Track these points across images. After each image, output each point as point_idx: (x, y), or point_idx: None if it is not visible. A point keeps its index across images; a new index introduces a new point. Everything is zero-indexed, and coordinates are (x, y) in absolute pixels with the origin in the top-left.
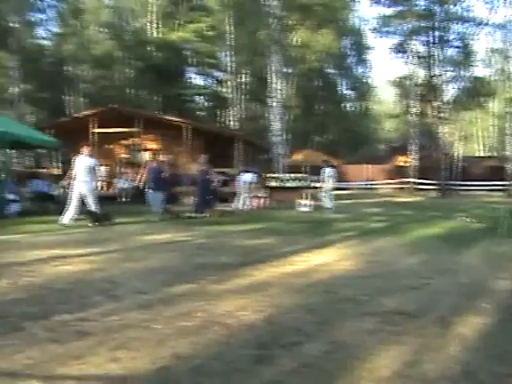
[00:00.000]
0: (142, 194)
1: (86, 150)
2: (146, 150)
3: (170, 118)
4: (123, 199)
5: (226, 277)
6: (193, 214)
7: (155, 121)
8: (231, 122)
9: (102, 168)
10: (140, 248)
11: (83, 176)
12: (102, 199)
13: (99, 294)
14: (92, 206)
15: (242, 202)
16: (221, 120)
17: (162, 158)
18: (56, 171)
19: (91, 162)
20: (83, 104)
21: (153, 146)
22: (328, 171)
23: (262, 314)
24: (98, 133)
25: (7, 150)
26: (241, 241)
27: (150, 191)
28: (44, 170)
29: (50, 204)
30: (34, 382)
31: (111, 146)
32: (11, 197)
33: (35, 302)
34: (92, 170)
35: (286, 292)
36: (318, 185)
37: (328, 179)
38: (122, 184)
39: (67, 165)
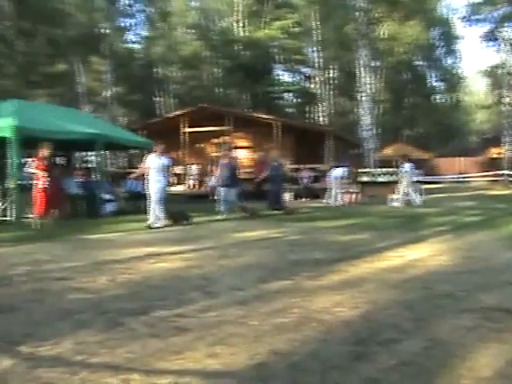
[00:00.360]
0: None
1: (158, 148)
2: (236, 148)
3: (260, 116)
4: (215, 197)
5: (321, 273)
6: (267, 211)
7: (245, 119)
8: (320, 118)
9: (194, 167)
10: (233, 245)
11: (155, 175)
12: (193, 197)
13: (195, 291)
14: (155, 207)
15: (333, 198)
16: (310, 116)
17: (233, 153)
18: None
19: (163, 160)
20: (173, 104)
21: (243, 143)
22: (407, 166)
23: (359, 310)
24: (189, 132)
25: (102, 152)
26: (334, 236)
27: (223, 188)
28: (137, 170)
29: (143, 203)
30: (135, 376)
31: (202, 145)
32: (107, 197)
33: (134, 299)
34: (164, 169)
35: (381, 288)
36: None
37: (407, 174)
38: (213, 182)
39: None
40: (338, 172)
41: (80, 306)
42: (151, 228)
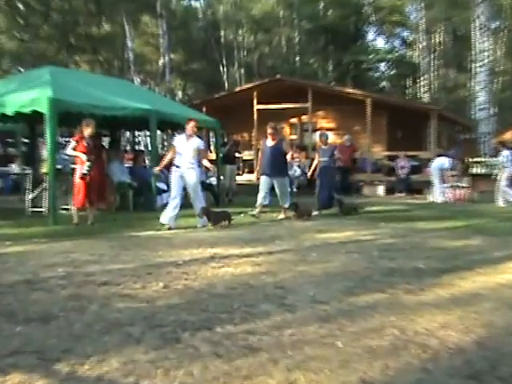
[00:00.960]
0: (312, 183)
1: (191, 126)
2: (317, 129)
3: (347, 91)
4: (293, 188)
5: (423, 286)
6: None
7: (328, 94)
8: (422, 94)
9: None
10: (314, 248)
11: (188, 161)
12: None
13: (268, 302)
14: (196, 201)
15: (437, 193)
16: (409, 91)
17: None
18: (211, 156)
19: (198, 142)
20: (241, 76)
21: (326, 124)
22: (507, 155)
23: (471, 334)
24: (261, 110)
25: (155, 132)
26: (438, 241)
27: (271, 178)
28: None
29: (208, 194)
30: None
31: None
32: (162, 186)
33: (193, 310)
34: (199, 154)
35: (500, 308)
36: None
37: (507, 164)
38: (293, 171)
39: (224, 148)
40: (442, 162)
41: (128, 317)
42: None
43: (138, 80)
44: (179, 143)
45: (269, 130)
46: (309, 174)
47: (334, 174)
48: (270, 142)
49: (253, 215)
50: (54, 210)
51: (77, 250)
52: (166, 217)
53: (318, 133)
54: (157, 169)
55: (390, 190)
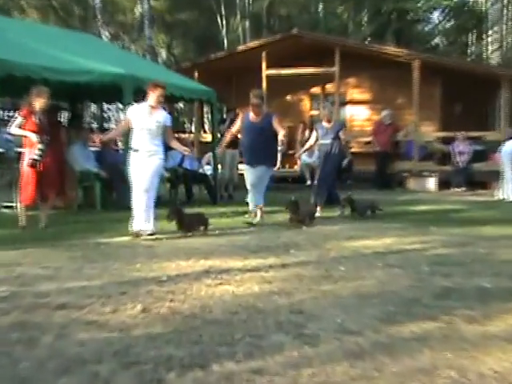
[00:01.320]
0: (342, 173)
1: (157, 94)
2: (347, 102)
3: (388, 50)
4: (314, 182)
5: (490, 312)
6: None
7: (362, 55)
8: (489, 54)
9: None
10: (342, 260)
11: (151, 143)
12: (278, 180)
13: (281, 332)
14: (148, 198)
15: (509, 188)
16: (471, 51)
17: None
18: (205, 138)
19: (164, 116)
20: (245, 30)
21: (358, 95)
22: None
23: None
24: (271, 76)
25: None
26: (510, 252)
27: (247, 167)
28: (186, 136)
29: (202, 187)
30: None
31: (291, 97)
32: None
33: (181, 341)
34: (165, 133)
35: None
36: None
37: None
38: (308, 158)
39: (225, 127)
40: None
41: (94, 352)
42: (252, 224)
43: (108, 35)
44: (137, 117)
45: (253, 101)
46: (296, 154)
47: (337, 162)
48: (253, 118)
49: (250, 223)
50: None
51: (24, 262)
52: (140, 221)
53: (346, 107)
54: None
55: (444, 184)
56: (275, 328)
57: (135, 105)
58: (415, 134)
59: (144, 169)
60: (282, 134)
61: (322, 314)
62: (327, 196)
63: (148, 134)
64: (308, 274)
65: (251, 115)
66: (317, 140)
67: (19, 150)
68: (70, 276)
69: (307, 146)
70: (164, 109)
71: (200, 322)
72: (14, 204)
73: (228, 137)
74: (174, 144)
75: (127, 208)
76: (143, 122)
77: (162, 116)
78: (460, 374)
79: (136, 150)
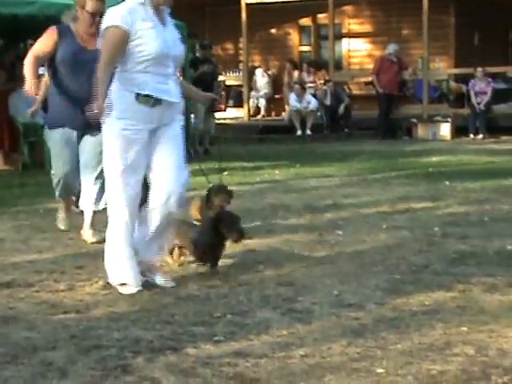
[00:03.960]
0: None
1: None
2: (343, 36)
3: None
4: (306, 132)
5: None
6: None
7: None
8: None
9: (261, 73)
10: (339, 222)
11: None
12: (262, 131)
13: (267, 307)
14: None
15: None
16: None
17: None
18: None
19: None
20: None
21: (357, 26)
22: None
23: None
24: (251, 5)
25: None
26: None
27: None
28: None
29: None
30: None
31: (276, 31)
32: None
33: (150, 322)
34: None
35: None
36: None
37: None
38: (297, 103)
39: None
40: None
41: (48, 337)
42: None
43: None
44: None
45: None
46: None
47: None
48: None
49: None
50: None
51: None
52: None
53: (342, 41)
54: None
55: (460, 130)
56: (261, 303)
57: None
58: (425, 71)
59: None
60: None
61: (316, 286)
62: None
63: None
64: (299, 239)
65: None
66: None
67: None
68: (15, 249)
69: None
70: None
71: (172, 298)
72: None
73: None
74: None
75: None
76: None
77: None
78: (477, 350)
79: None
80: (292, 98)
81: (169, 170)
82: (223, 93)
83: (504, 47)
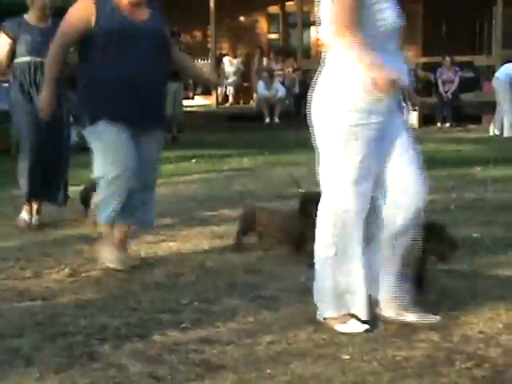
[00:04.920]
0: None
1: None
2: (312, 23)
3: None
4: (274, 119)
5: (478, 266)
6: None
7: None
8: None
9: (229, 61)
10: None
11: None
12: (231, 119)
13: (234, 295)
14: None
15: (506, 122)
16: None
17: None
18: None
19: None
20: None
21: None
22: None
23: None
24: None
25: None
26: (504, 197)
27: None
28: None
29: None
30: None
31: (244, 18)
32: None
33: (117, 309)
34: None
35: None
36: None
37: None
38: (266, 91)
39: None
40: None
41: (14, 325)
42: None
43: None
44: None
45: None
46: None
47: None
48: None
49: None
50: None
51: None
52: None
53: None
54: None
55: (427, 119)
56: (228, 290)
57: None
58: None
59: None
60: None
61: (283, 273)
62: None
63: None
64: None
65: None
66: None
67: None
68: None
69: None
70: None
71: (139, 285)
72: None
73: None
74: None
75: None
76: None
77: None
78: (442, 337)
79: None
80: (260, 86)
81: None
82: (191, 81)
83: (471, 37)
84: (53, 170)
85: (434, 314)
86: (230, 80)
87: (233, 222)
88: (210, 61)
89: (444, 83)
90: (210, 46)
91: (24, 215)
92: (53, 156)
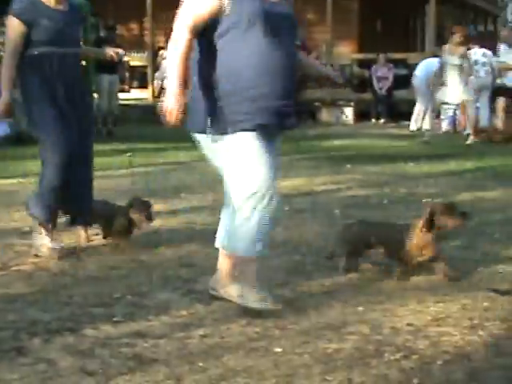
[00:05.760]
0: None
1: None
2: None
3: None
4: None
5: None
6: None
7: None
8: None
9: (164, 55)
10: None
11: None
12: None
13: (167, 288)
14: None
15: (423, 118)
16: None
17: None
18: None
19: None
20: None
21: None
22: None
23: (481, 331)
24: None
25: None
26: (435, 192)
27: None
28: None
29: None
30: None
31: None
32: None
33: (48, 303)
34: None
35: None
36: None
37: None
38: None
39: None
40: (432, 65)
41: None
42: None
43: None
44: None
45: None
46: None
47: None
48: None
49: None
50: None
51: None
52: None
53: None
54: None
55: (362, 115)
56: (161, 284)
57: None
58: (328, 55)
59: None
60: None
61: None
62: None
63: None
64: (201, 221)
65: None
66: None
67: None
68: None
69: None
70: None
71: (71, 279)
72: None
73: None
74: None
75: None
76: None
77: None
78: (372, 329)
79: None
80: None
81: None
82: (127, 74)
83: (405, 34)
84: (84, 181)
85: (365, 308)
86: (166, 73)
87: (168, 216)
88: (146, 54)
89: (379, 80)
90: (146, 38)
91: (47, 241)
92: (83, 163)
